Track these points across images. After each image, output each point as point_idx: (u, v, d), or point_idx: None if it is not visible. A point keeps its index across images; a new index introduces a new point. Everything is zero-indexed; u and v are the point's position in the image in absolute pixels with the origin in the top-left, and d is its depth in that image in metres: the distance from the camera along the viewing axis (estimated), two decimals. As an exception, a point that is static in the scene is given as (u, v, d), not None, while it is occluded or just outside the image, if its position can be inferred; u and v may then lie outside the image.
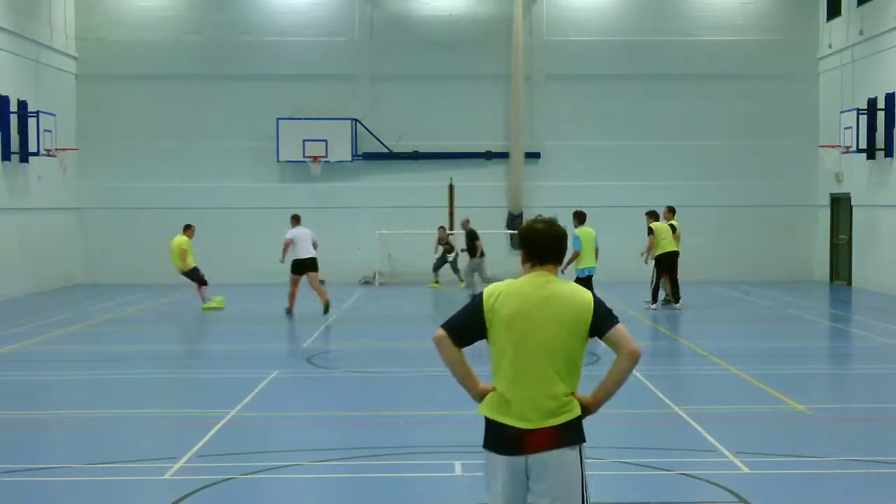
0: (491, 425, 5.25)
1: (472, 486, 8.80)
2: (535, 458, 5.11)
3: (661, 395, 12.53)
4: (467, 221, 27.25)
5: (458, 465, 9.27)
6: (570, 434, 5.17)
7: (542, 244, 5.33)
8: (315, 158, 30.41)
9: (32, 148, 26.21)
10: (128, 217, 30.12)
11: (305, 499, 8.82)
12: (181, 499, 8.26)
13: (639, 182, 30.88)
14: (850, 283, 28.95)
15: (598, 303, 5.35)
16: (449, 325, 5.35)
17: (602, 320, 5.26)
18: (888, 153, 26.55)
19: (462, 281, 28.57)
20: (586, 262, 19.68)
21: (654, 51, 31.10)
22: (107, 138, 30.81)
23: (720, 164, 31.20)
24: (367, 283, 30.08)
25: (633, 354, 5.26)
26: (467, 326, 5.32)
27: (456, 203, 30.36)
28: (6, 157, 25.49)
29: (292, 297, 21.70)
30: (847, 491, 8.63)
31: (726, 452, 9.62)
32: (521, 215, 31.07)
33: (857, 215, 28.65)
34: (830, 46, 30.19)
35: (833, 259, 30.45)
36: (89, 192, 30.50)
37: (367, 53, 31.11)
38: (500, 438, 5.18)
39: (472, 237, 26.05)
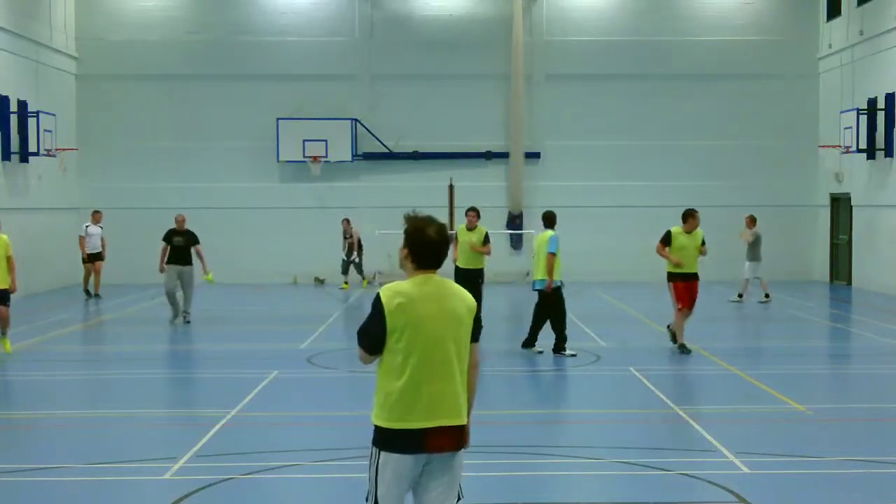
0: None
1: (471, 485, 8.81)
2: None
3: (661, 395, 12.53)
4: (183, 220, 20.92)
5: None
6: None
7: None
8: (315, 158, 30.42)
9: (32, 148, 26.22)
10: (127, 217, 30.09)
11: (305, 499, 8.82)
12: (181, 499, 8.26)
13: (639, 182, 30.89)
14: (850, 283, 28.95)
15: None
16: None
17: None
18: (888, 153, 26.55)
19: (364, 280, 28.99)
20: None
21: (654, 51, 31.11)
22: (107, 138, 30.83)
23: (720, 164, 31.20)
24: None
25: None
26: None
27: (456, 203, 30.31)
28: (6, 157, 25.50)
29: (86, 281, 26.25)
30: (847, 491, 8.63)
31: (726, 452, 9.62)
32: (520, 215, 31.08)
33: (857, 215, 28.65)
34: (830, 46, 30.19)
35: (833, 259, 30.45)
36: (89, 192, 30.50)
37: (367, 53, 31.12)
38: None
39: (191, 236, 20.52)
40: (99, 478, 9.11)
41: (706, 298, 25.58)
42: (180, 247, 20.26)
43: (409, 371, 5.29)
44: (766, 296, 24.01)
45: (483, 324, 5.66)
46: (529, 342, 16.23)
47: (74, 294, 26.88)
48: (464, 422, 5.40)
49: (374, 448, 5.35)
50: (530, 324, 16.27)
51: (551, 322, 15.96)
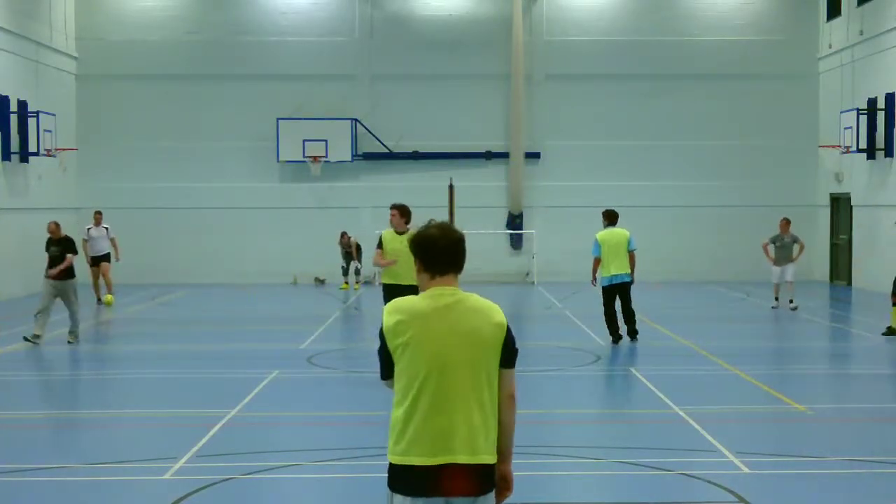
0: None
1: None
2: None
3: (662, 395, 12.53)
4: (56, 227, 17.83)
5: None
6: None
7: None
8: (315, 158, 30.42)
9: (32, 148, 26.23)
10: (128, 217, 30.07)
11: (305, 499, 8.82)
12: (181, 499, 8.26)
13: (639, 182, 30.90)
14: (850, 283, 28.95)
15: None
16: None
17: None
18: (888, 153, 26.55)
19: (358, 283, 28.89)
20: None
21: (654, 51, 31.11)
22: (107, 138, 30.84)
23: (720, 164, 31.20)
24: (367, 283, 30.07)
25: None
26: None
27: (456, 203, 30.33)
28: (6, 157, 25.50)
29: (96, 288, 24.28)
30: (847, 491, 8.63)
31: (726, 452, 9.62)
32: (521, 215, 31.08)
33: (857, 215, 28.65)
34: (830, 46, 30.19)
35: (833, 259, 30.45)
36: (89, 192, 30.49)
37: (367, 53, 31.12)
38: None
39: (66, 245, 17.69)
40: (99, 478, 9.11)
41: (706, 299, 25.59)
42: (55, 257, 17.49)
43: (412, 398, 4.62)
44: (777, 299, 23.04)
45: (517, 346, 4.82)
46: (633, 333, 17.20)
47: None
48: (479, 461, 4.61)
49: (388, 489, 4.71)
50: (619, 319, 17.09)
51: (625, 312, 17.11)
